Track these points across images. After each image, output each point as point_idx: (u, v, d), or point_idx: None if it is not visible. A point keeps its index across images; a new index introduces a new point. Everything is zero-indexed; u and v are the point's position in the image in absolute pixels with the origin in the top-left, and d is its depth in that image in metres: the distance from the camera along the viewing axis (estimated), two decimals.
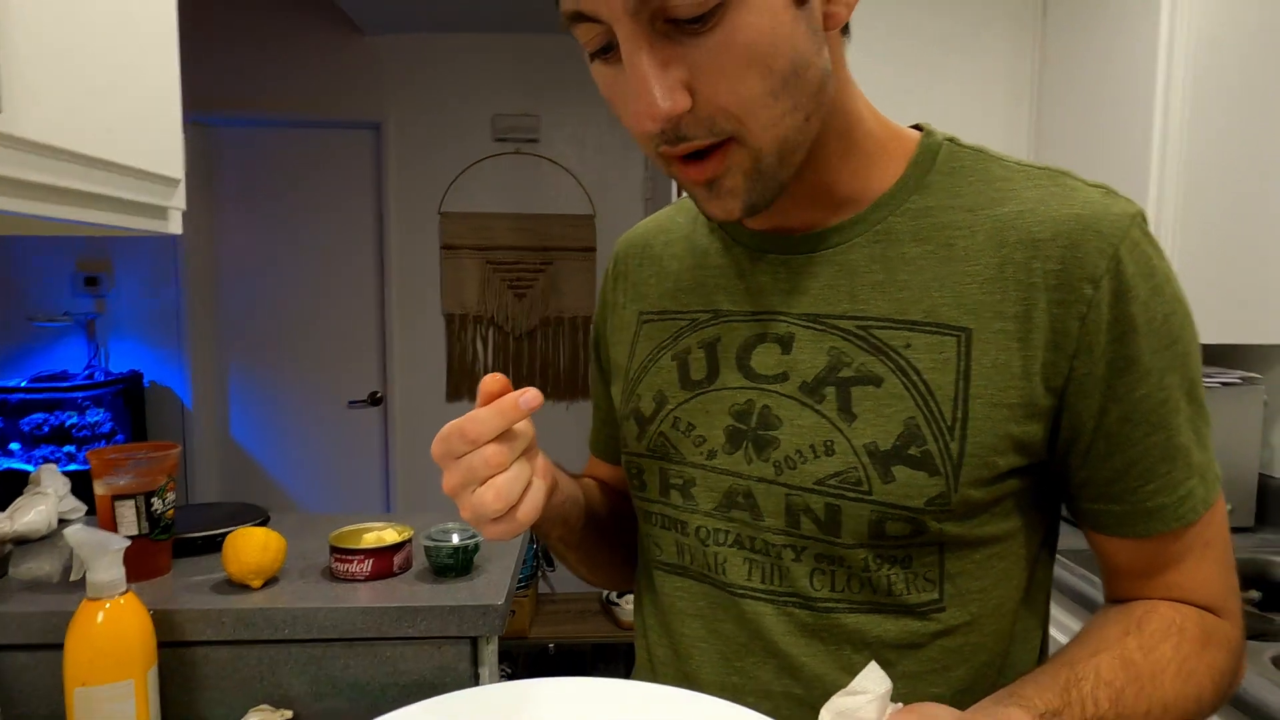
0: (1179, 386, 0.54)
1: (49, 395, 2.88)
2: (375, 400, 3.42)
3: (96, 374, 3.09)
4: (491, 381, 0.54)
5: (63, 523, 1.21)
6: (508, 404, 0.52)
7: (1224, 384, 1.73)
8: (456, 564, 1.02)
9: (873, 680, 0.47)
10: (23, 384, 2.90)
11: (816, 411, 0.57)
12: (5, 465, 2.85)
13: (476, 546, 1.04)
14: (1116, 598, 0.60)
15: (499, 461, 0.52)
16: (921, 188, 0.58)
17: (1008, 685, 0.51)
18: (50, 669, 0.93)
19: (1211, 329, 1.76)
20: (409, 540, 1.06)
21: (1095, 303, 0.52)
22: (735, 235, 0.64)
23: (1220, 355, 1.94)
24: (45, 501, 1.17)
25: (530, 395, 0.52)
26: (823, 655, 0.58)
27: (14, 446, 2.86)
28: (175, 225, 0.96)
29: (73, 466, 2.90)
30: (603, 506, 0.75)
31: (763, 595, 0.59)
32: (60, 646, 0.85)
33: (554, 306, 3.37)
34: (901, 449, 0.54)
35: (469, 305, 3.36)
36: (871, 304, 0.57)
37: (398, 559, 1.03)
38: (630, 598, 2.39)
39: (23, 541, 1.13)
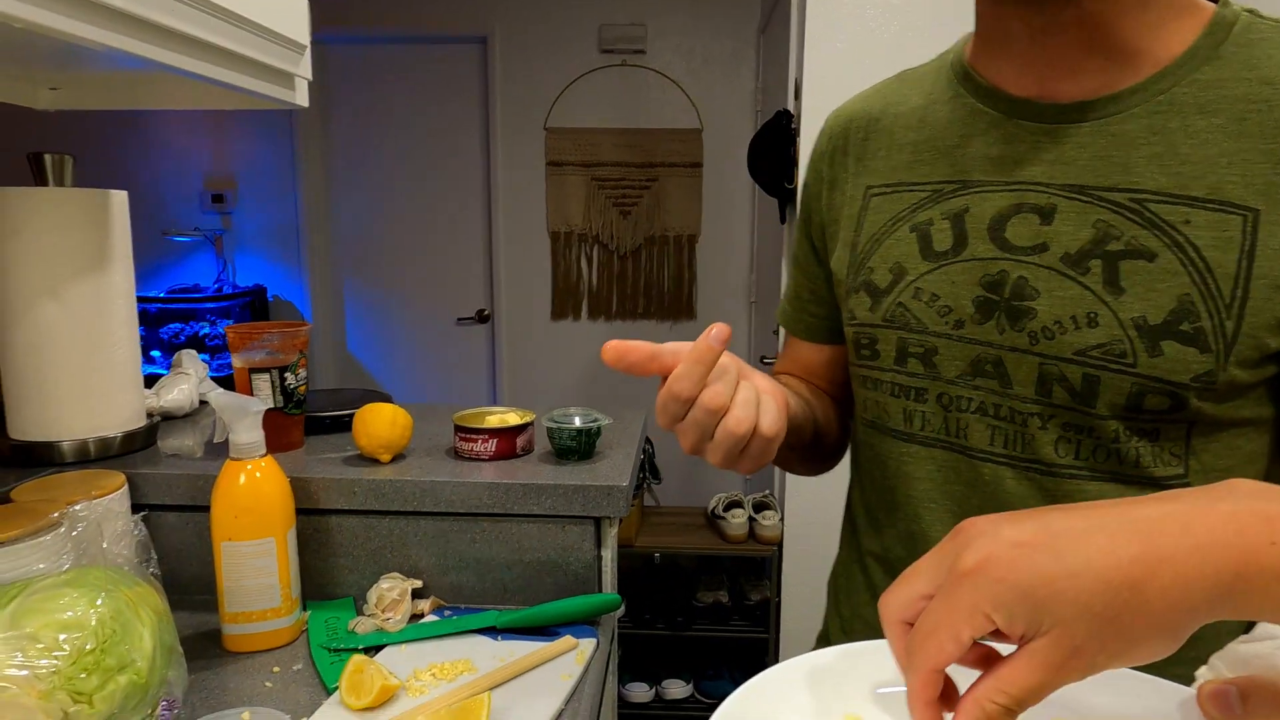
0: None
1: (184, 306, 3.04)
2: (483, 318, 3.48)
3: (225, 287, 3.24)
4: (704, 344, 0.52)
5: (203, 404, 1.26)
6: (701, 349, 0.51)
7: None
8: (579, 447, 1.00)
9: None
10: (161, 295, 3.07)
11: (1079, 283, 0.57)
12: (147, 371, 3.04)
13: (599, 430, 1.02)
14: None
15: (720, 404, 0.51)
16: (1214, 58, 0.56)
17: None
18: (196, 528, 0.97)
19: None
20: (531, 423, 1.05)
21: None
22: (993, 103, 0.62)
23: None
24: (187, 382, 1.21)
25: (717, 331, 0.51)
26: None
27: (154, 354, 3.05)
28: (302, 96, 0.95)
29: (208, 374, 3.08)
30: (816, 402, 0.76)
31: (1004, 459, 0.61)
32: (205, 508, 0.89)
33: (659, 224, 3.31)
34: (1173, 324, 0.54)
35: (574, 223, 3.34)
36: (1147, 177, 0.56)
37: (520, 441, 1.03)
38: (737, 511, 2.37)
39: (168, 417, 1.19)
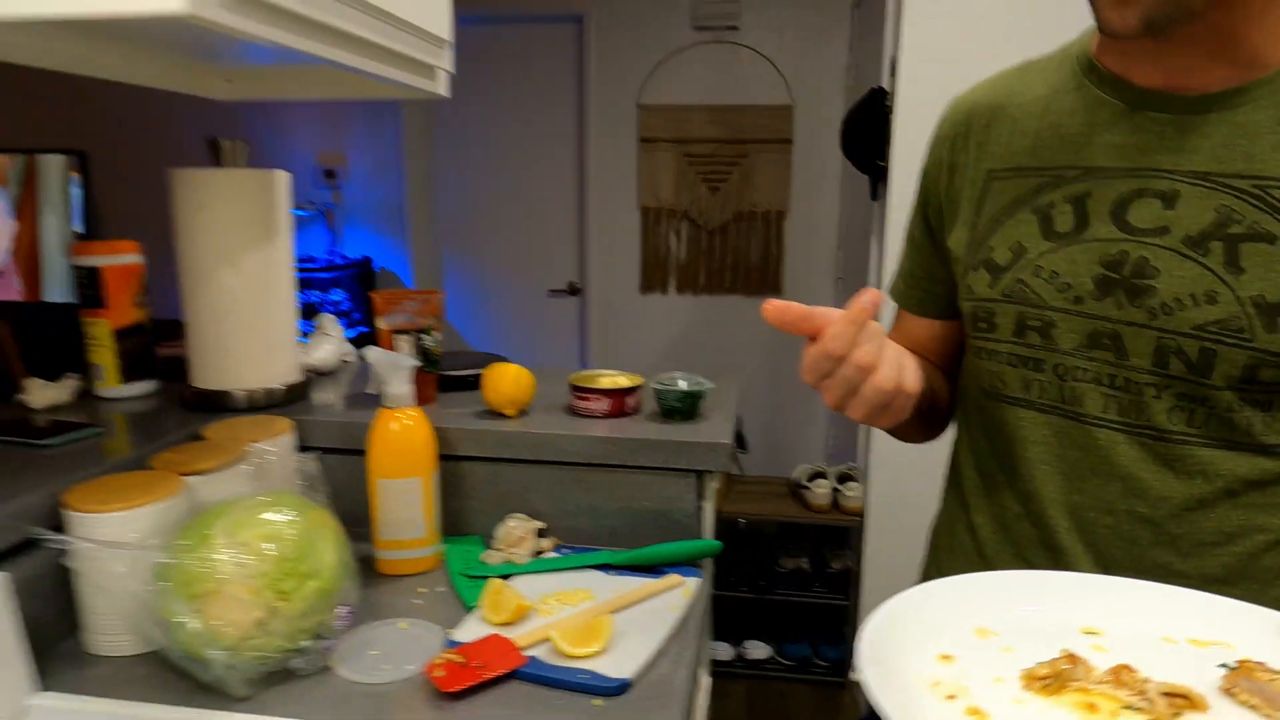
0: None
1: (301, 275, 3.26)
2: (573, 290, 3.60)
3: (335, 258, 3.45)
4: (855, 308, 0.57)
5: (343, 363, 1.40)
6: (855, 311, 0.56)
7: None
8: (684, 407, 1.09)
9: None
10: None
11: (1199, 263, 0.60)
12: None
13: (703, 394, 1.11)
14: None
15: (870, 362, 0.57)
16: None
17: None
18: (349, 469, 1.10)
19: None
20: (640, 386, 1.14)
21: None
22: (1119, 94, 0.65)
23: None
24: (331, 342, 1.35)
25: (870, 296, 0.56)
26: (1172, 480, 0.64)
27: None
28: (443, 86, 1.06)
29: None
30: (930, 372, 0.81)
31: (1117, 426, 0.66)
32: (355, 451, 1.02)
33: (748, 200, 3.36)
34: None
35: (664, 199, 3.41)
36: (1272, 164, 0.59)
37: (630, 401, 1.12)
38: (821, 481, 2.43)
39: (314, 374, 1.33)
